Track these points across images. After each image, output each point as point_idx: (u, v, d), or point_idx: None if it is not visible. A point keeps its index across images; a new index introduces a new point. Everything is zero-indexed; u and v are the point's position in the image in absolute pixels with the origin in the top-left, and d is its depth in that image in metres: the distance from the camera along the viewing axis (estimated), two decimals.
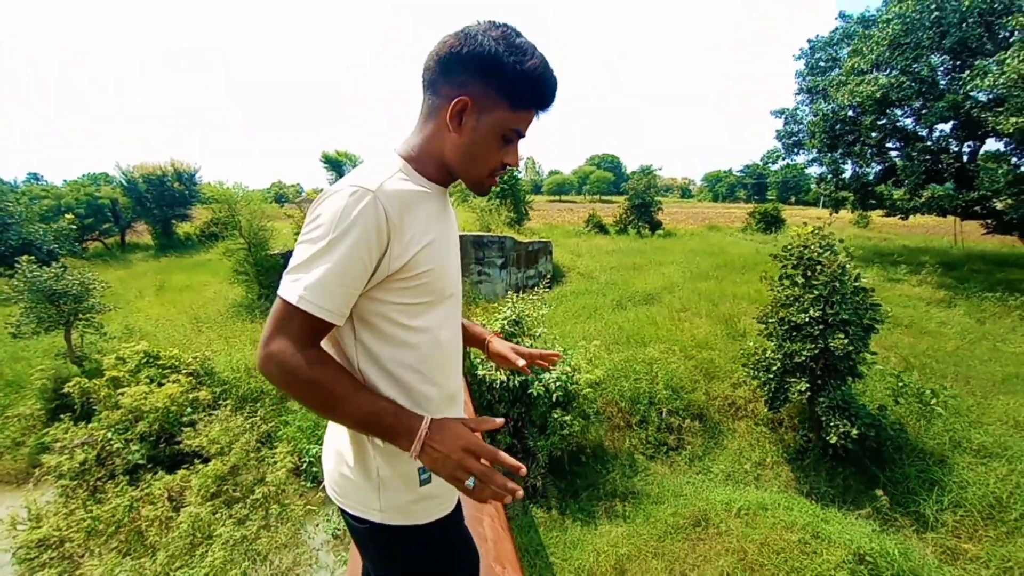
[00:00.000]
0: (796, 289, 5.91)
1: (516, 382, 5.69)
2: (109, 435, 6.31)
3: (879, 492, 5.11)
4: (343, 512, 1.10)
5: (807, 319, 5.59)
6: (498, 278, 12.26)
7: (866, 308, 5.51)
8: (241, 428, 6.54)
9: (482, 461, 0.95)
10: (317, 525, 5.61)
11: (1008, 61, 9.65)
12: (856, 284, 5.48)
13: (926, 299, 11.54)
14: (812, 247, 5.78)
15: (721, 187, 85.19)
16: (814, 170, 19.02)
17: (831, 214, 18.36)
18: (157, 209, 23.58)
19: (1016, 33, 10.19)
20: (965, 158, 13.85)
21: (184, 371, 7.47)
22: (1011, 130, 9.94)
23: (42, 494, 6.15)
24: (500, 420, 1.05)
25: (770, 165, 20.94)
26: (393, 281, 0.97)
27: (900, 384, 6.26)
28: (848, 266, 5.54)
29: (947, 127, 13.73)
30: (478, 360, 6.01)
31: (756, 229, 25.04)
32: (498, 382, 5.56)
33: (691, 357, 8.25)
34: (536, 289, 7.33)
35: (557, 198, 69.83)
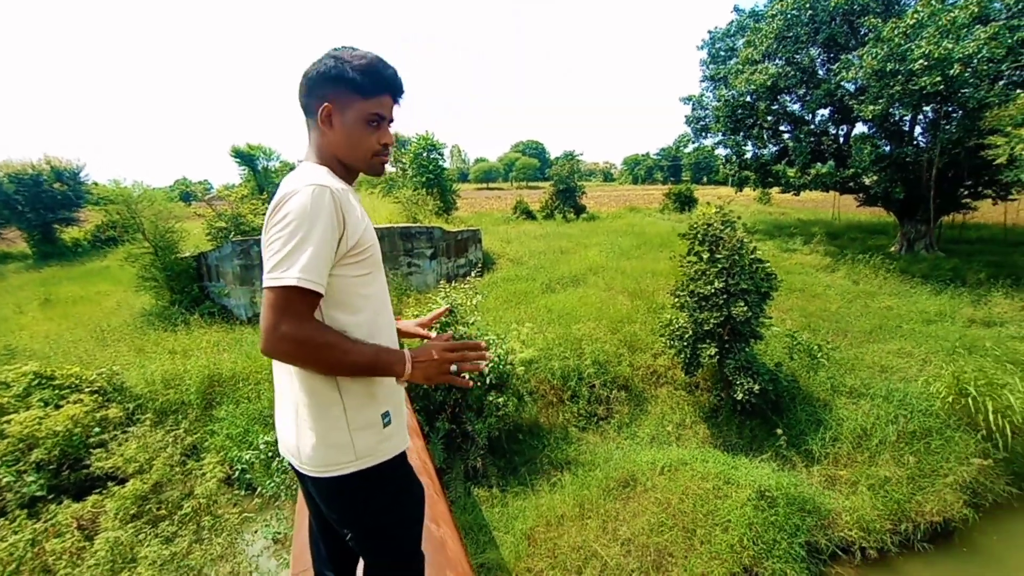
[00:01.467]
0: (702, 264, 6.51)
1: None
2: None
3: (779, 431, 5.84)
4: (313, 480, 1.25)
5: (713, 290, 6.20)
6: (428, 269, 12.23)
7: (762, 278, 6.21)
8: (163, 442, 6.17)
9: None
10: (256, 532, 5.46)
11: (865, 57, 11.03)
12: (752, 256, 6.15)
13: (815, 265, 13.04)
14: (715, 225, 6.38)
15: (640, 170, 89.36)
16: (721, 151, 20.54)
17: (736, 192, 20.01)
18: (32, 213, 20.82)
19: (871, 32, 11.63)
20: (841, 140, 15.68)
21: (87, 389, 6.86)
22: (870, 116, 11.43)
23: None
24: (482, 343, 1.34)
25: (682, 148, 22.35)
26: (347, 257, 1.19)
27: (794, 342, 7.13)
28: (745, 240, 6.19)
29: (826, 112, 15.45)
30: (409, 350, 6.07)
31: (672, 209, 26.74)
32: None
33: (616, 332, 8.80)
34: (468, 278, 7.46)
35: (484, 185, 69.85)
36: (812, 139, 14.92)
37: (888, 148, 13.41)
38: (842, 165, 14.17)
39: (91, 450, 6.00)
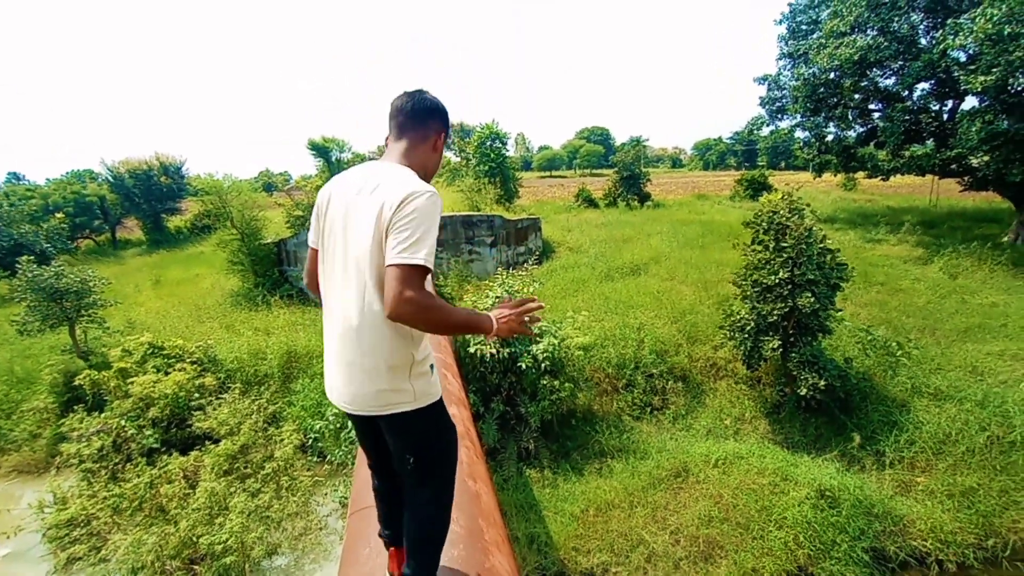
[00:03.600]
0: (767, 253, 6.22)
1: (505, 354, 6.03)
2: (123, 422, 6.65)
3: (855, 436, 5.51)
4: (387, 419, 1.53)
5: (777, 280, 5.91)
6: (488, 256, 12.52)
7: (831, 268, 5.83)
8: (248, 410, 6.90)
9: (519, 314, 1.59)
10: (325, 495, 6.01)
11: (978, 20, 9.78)
12: (822, 245, 5.78)
13: (903, 257, 11.91)
14: (781, 212, 6.06)
15: (712, 155, 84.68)
16: (799, 134, 19.12)
17: (814, 178, 18.59)
18: (146, 204, 23.50)
19: None
20: (945, 116, 14.04)
21: (188, 359, 7.78)
22: (981, 88, 10.12)
23: (64, 480, 6.52)
24: (535, 298, 1.71)
25: (755, 132, 20.99)
26: None
27: (869, 338, 6.64)
28: (814, 228, 5.84)
29: (926, 86, 13.88)
30: (469, 336, 6.33)
31: (744, 196, 25.23)
32: (488, 355, 5.88)
33: (676, 322, 8.61)
34: (525, 266, 7.61)
35: (547, 174, 69.46)
36: (907, 117, 13.49)
37: (1005, 124, 11.83)
38: (943, 145, 12.73)
39: (192, 412, 6.86)
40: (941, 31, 11.88)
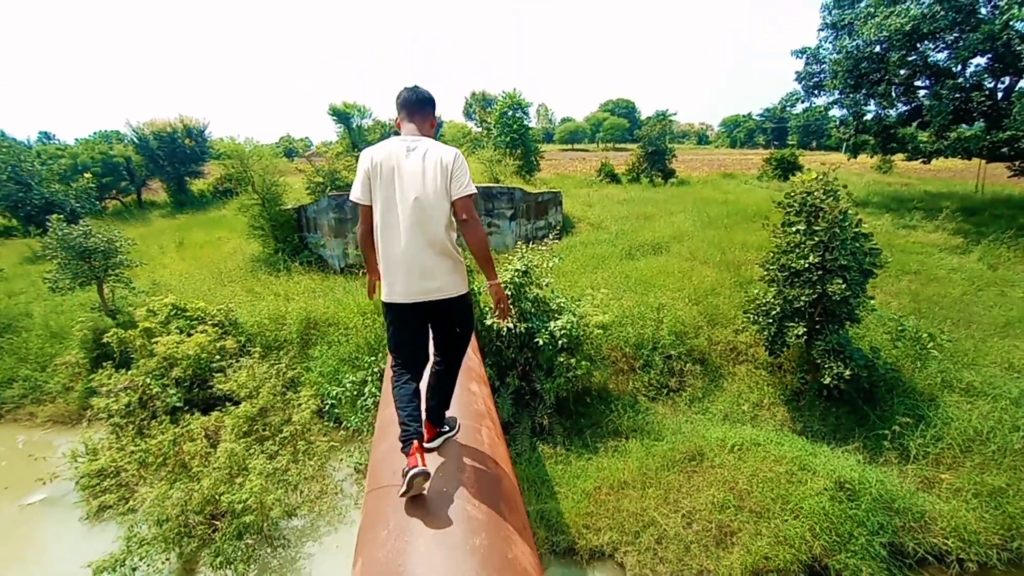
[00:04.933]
0: (798, 236, 5.97)
1: (522, 329, 5.97)
2: (148, 380, 6.84)
3: (887, 431, 5.36)
4: (453, 300, 2.20)
5: (807, 265, 5.69)
6: (508, 230, 12.37)
7: (865, 253, 5.58)
8: (267, 374, 7.02)
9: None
10: (341, 460, 6.14)
11: None
12: (856, 230, 5.52)
13: (940, 245, 11.39)
14: (815, 194, 5.78)
15: (740, 132, 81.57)
16: (836, 112, 18.21)
17: (848, 159, 17.82)
18: (170, 166, 23.72)
19: None
20: (999, 95, 13.17)
21: (210, 322, 7.93)
22: None
23: (95, 432, 6.79)
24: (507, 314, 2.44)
25: (789, 108, 20.01)
26: None
27: (899, 328, 6.40)
28: (849, 212, 5.56)
29: (982, 62, 12.97)
30: (487, 308, 6.28)
31: (772, 176, 24.34)
32: (505, 330, 5.84)
33: (697, 303, 8.43)
34: (545, 240, 7.47)
35: (569, 146, 67.94)
36: (958, 95, 12.69)
37: None
38: (995, 126, 11.99)
39: (213, 374, 7.01)
40: (1005, 0, 11.01)
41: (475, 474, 2.04)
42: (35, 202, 14.67)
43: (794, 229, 6.10)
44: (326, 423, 6.86)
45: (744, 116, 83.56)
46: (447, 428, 2.33)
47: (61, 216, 8.55)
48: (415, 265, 2.08)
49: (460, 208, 2.09)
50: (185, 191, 24.60)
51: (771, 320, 6.18)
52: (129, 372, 7.14)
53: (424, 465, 1.83)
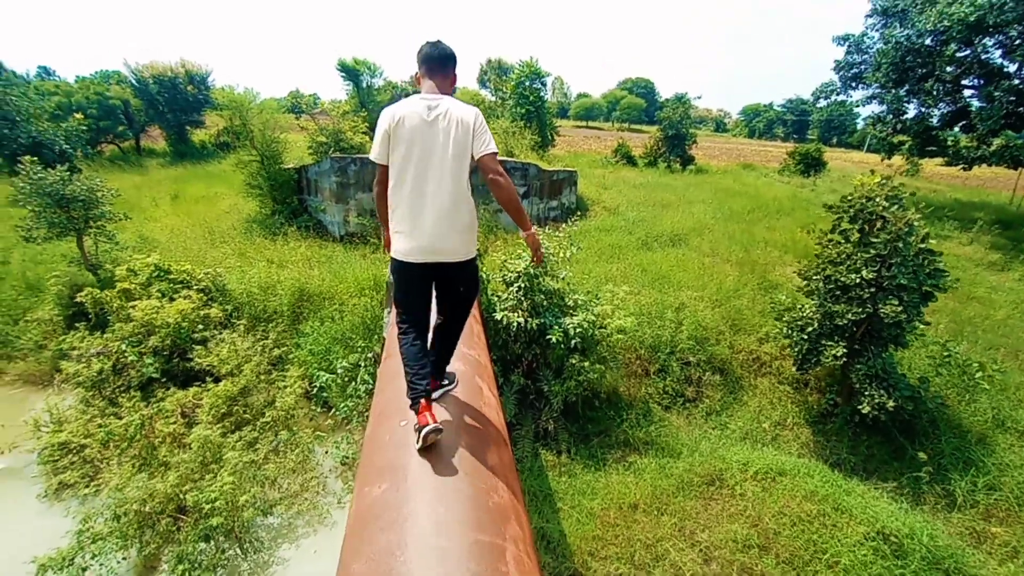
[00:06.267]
0: (849, 246, 5.34)
1: (533, 324, 5.40)
2: (123, 347, 6.30)
3: (922, 455, 4.85)
4: (462, 264, 2.20)
5: (858, 280, 5.08)
6: None
7: (928, 273, 4.96)
8: (252, 350, 6.48)
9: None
10: (327, 452, 5.65)
11: None
12: (922, 245, 4.89)
13: (976, 260, 10.76)
14: (877, 200, 5.12)
15: (759, 122, 79.33)
16: (871, 109, 17.19)
17: (883, 160, 16.97)
18: (170, 113, 22.69)
19: None
20: None
21: (196, 287, 7.34)
22: None
23: (63, 398, 6.29)
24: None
25: (820, 101, 18.97)
26: None
27: (945, 354, 5.84)
28: (916, 224, 4.91)
29: None
30: (495, 298, 5.70)
31: (794, 171, 23.42)
32: (515, 324, 5.27)
33: (718, 305, 7.84)
34: (563, 225, 6.83)
35: (584, 123, 66.06)
36: (1012, 98, 11.81)
37: None
38: None
39: (194, 345, 6.47)
40: None
41: (470, 429, 2.18)
42: (21, 140, 13.85)
43: (843, 237, 5.47)
44: (313, 407, 6.36)
45: (765, 106, 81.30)
46: (447, 382, 2.44)
47: (34, 159, 7.83)
48: (429, 226, 2.08)
49: (485, 166, 2.09)
50: (186, 141, 23.65)
51: (806, 336, 5.60)
52: (104, 336, 6.61)
53: (436, 422, 1.93)
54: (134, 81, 22.42)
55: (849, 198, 5.37)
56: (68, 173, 7.80)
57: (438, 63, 2.18)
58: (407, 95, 2.31)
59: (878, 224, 5.09)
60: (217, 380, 6.12)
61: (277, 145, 11.43)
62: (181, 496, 4.29)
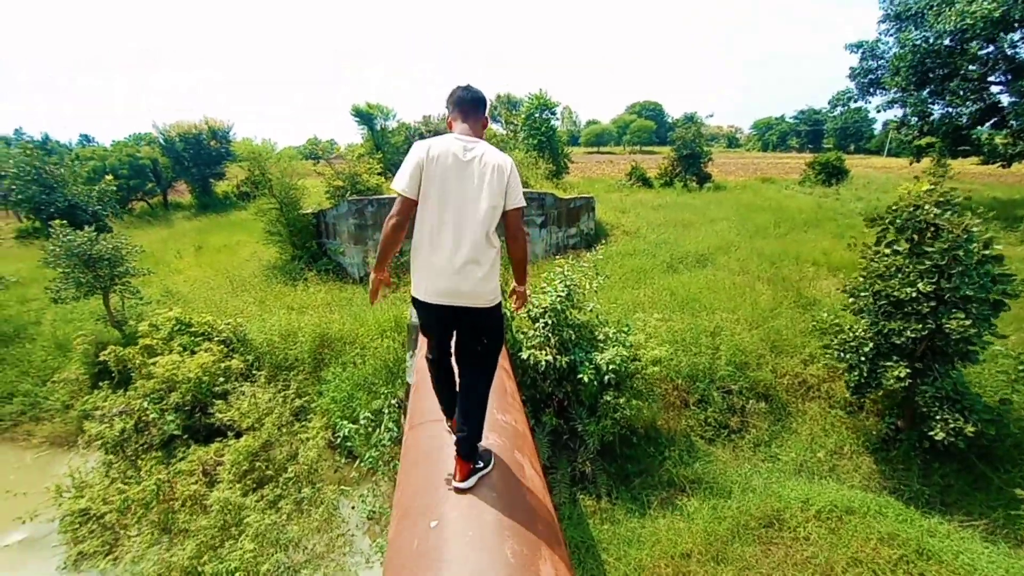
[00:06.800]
0: (899, 258, 4.94)
1: (563, 362, 5.09)
2: (145, 404, 6.20)
3: (1020, 492, 4.28)
4: (485, 310, 2.10)
5: (914, 294, 4.66)
6: (538, 238, 11.50)
7: (994, 281, 4.52)
8: (273, 402, 6.30)
9: None
10: (353, 507, 5.35)
11: None
12: (986, 252, 4.47)
13: None
14: (926, 208, 4.74)
15: (772, 135, 78.91)
16: (892, 113, 16.80)
17: (911, 163, 16.42)
18: (195, 168, 23.65)
19: None
20: None
21: (216, 339, 7.28)
22: None
23: (86, 461, 6.17)
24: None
25: (837, 108, 18.63)
26: None
27: (1020, 368, 5.30)
28: (975, 230, 4.51)
29: None
30: (520, 335, 5.43)
31: (815, 181, 22.87)
32: (543, 363, 4.97)
33: (756, 327, 7.41)
34: (587, 254, 6.58)
35: (595, 149, 66.64)
36: None
37: None
38: None
39: (215, 400, 6.33)
40: None
41: (515, 529, 1.81)
42: (58, 204, 14.46)
43: (891, 250, 5.07)
44: (337, 458, 6.10)
45: (776, 119, 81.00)
46: (481, 464, 2.15)
47: (63, 221, 8.03)
48: (453, 268, 2.02)
49: (511, 220, 2.09)
50: (209, 192, 24.53)
51: (862, 358, 5.14)
52: (127, 394, 6.53)
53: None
54: (162, 140, 23.51)
55: (895, 208, 5.01)
56: (96, 233, 7.96)
57: (471, 106, 2.17)
58: (421, 136, 2.18)
59: (929, 233, 4.70)
60: (239, 435, 5.93)
61: (295, 191, 11.59)
62: (199, 568, 4.03)
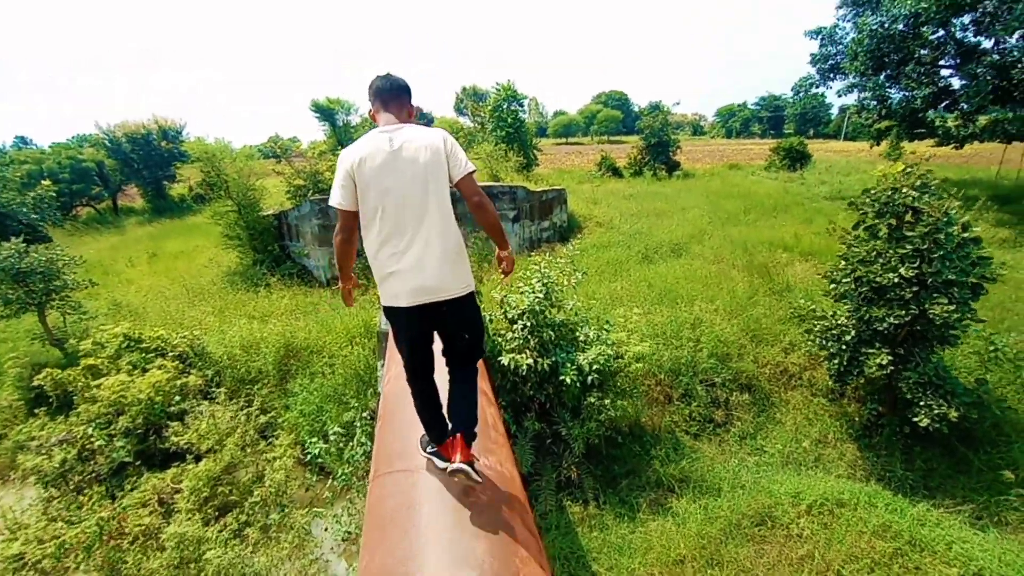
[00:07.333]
0: (879, 243, 4.88)
1: (544, 365, 4.84)
2: (89, 431, 5.65)
3: (1008, 475, 4.29)
4: (461, 299, 2.08)
5: (895, 279, 4.60)
6: (511, 233, 11.21)
7: (974, 263, 4.50)
8: (235, 420, 5.84)
9: None
10: (326, 529, 4.99)
11: None
12: (965, 235, 4.43)
13: (987, 240, 10.35)
14: (904, 191, 4.68)
15: (735, 122, 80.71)
16: (852, 98, 17.12)
17: (871, 146, 16.82)
18: (146, 170, 22.35)
19: None
20: None
21: (171, 354, 6.73)
22: None
23: (20, 499, 5.59)
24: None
25: (804, 93, 18.97)
26: None
27: (991, 348, 5.34)
28: (953, 213, 4.47)
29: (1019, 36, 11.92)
30: (499, 339, 5.15)
31: (780, 166, 23.38)
32: (524, 367, 4.71)
33: (734, 316, 7.34)
34: (564, 248, 6.34)
35: (564, 140, 66.64)
36: (993, 74, 11.66)
37: None
38: None
39: (169, 422, 5.83)
40: None
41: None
42: None
43: (869, 234, 5.01)
44: (308, 476, 5.70)
45: (739, 106, 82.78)
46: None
47: None
48: (418, 263, 1.96)
49: (466, 188, 2.02)
50: (163, 196, 23.26)
51: (844, 345, 5.09)
52: (68, 420, 5.96)
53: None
54: (107, 142, 22.08)
55: (872, 191, 4.94)
56: (24, 245, 7.24)
57: (391, 95, 2.10)
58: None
59: (909, 216, 4.64)
60: (198, 458, 5.47)
61: (254, 192, 10.96)
62: None
